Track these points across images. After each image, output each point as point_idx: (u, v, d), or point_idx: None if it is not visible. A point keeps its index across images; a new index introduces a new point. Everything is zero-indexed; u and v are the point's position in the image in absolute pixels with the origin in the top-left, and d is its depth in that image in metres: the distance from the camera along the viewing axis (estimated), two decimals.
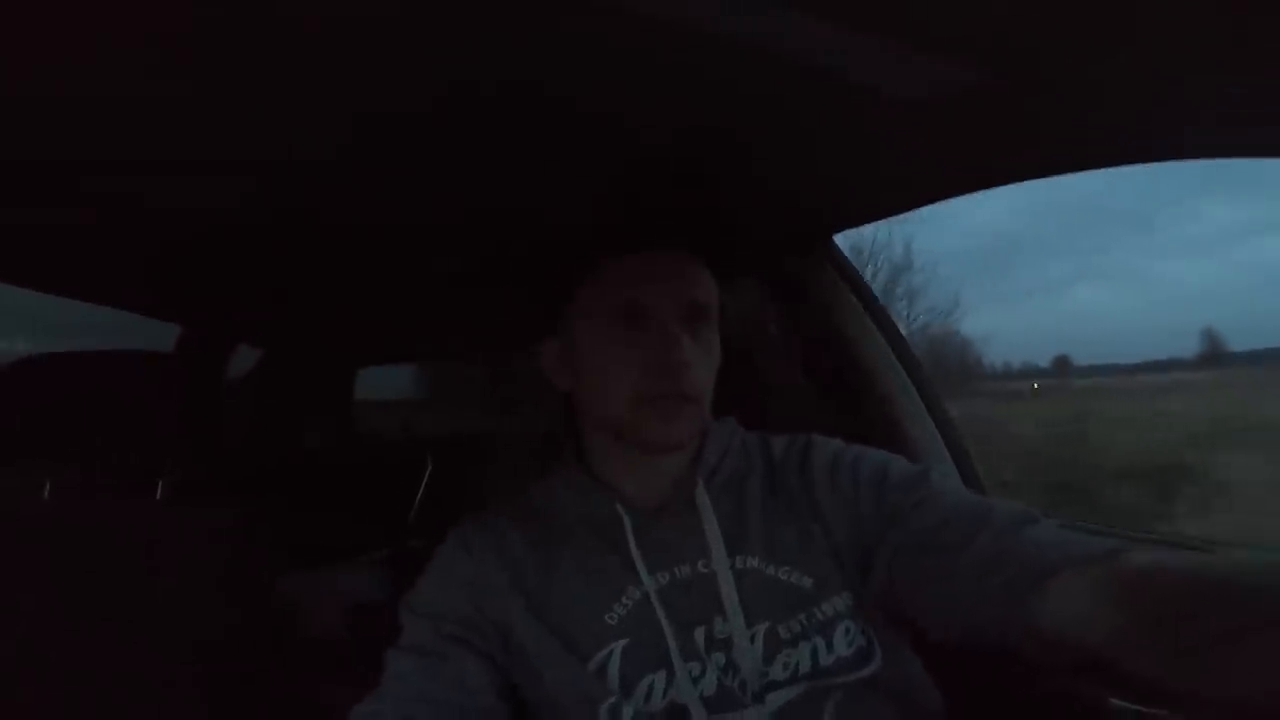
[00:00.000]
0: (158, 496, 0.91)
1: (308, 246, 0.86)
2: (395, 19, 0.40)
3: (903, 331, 0.93)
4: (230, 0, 0.38)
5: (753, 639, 0.57)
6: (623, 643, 0.58)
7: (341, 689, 1.06)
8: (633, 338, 0.60)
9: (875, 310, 0.89)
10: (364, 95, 0.49)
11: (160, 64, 0.44)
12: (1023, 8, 0.40)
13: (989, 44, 0.44)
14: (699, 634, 0.58)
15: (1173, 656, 0.40)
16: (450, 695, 0.56)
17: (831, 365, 0.90)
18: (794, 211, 0.81)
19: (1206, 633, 0.38)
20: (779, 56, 0.46)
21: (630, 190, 0.68)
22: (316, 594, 1.28)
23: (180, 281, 1.03)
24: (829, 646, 0.57)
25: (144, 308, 1.14)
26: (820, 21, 0.42)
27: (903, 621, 0.59)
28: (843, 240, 0.91)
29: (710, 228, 0.68)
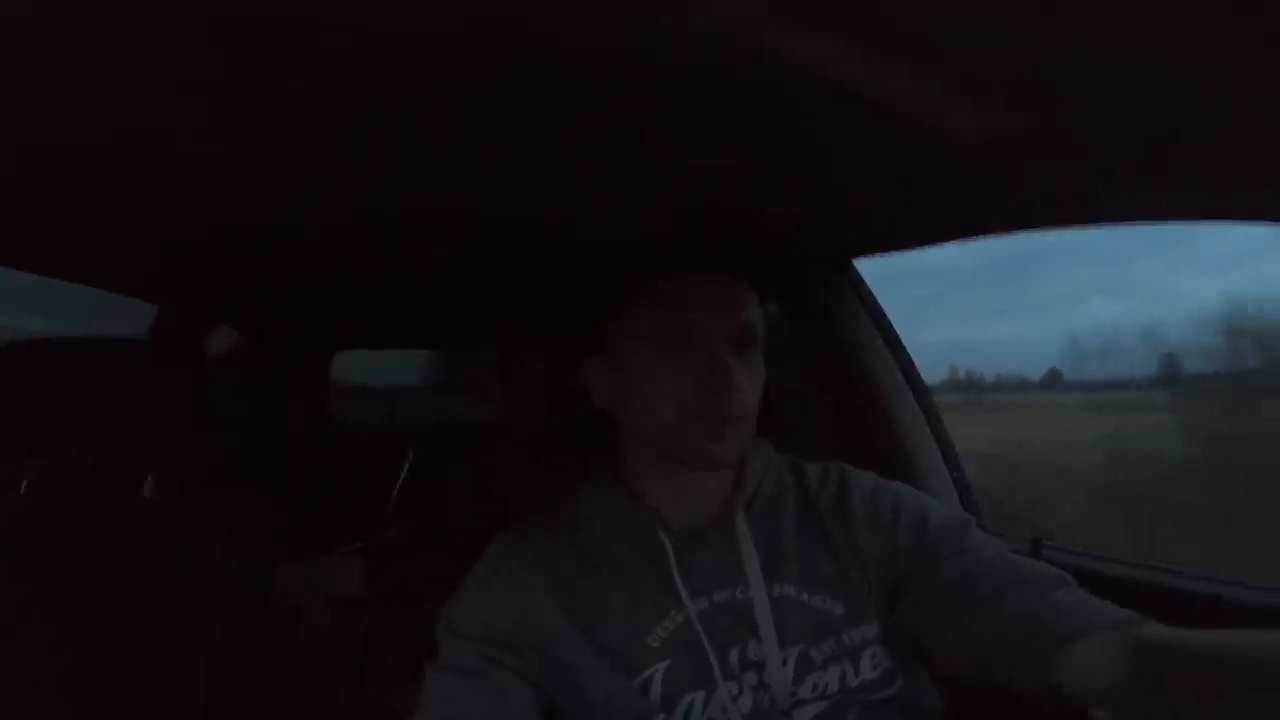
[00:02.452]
0: (147, 492, 0.88)
1: (315, 252, 0.84)
2: (413, 28, 0.39)
3: None
4: (229, 6, 0.37)
5: (785, 661, 0.59)
6: (665, 664, 0.59)
7: (328, 685, 1.06)
8: (682, 359, 0.60)
9: (890, 337, 0.91)
10: (381, 103, 0.48)
11: (154, 58, 0.42)
12: (1058, 56, 0.40)
13: (1025, 87, 0.44)
14: (734, 655, 0.59)
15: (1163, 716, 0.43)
16: (492, 715, 0.57)
17: (844, 387, 0.92)
18: (818, 237, 0.82)
19: (1208, 711, 0.41)
20: (820, 84, 0.45)
21: (677, 213, 0.68)
22: (295, 587, 1.26)
23: (162, 264, 0.99)
24: (856, 670, 0.60)
25: (124, 288, 1.09)
26: (860, 54, 0.42)
27: (922, 651, 0.62)
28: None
29: (749, 254, 0.69)
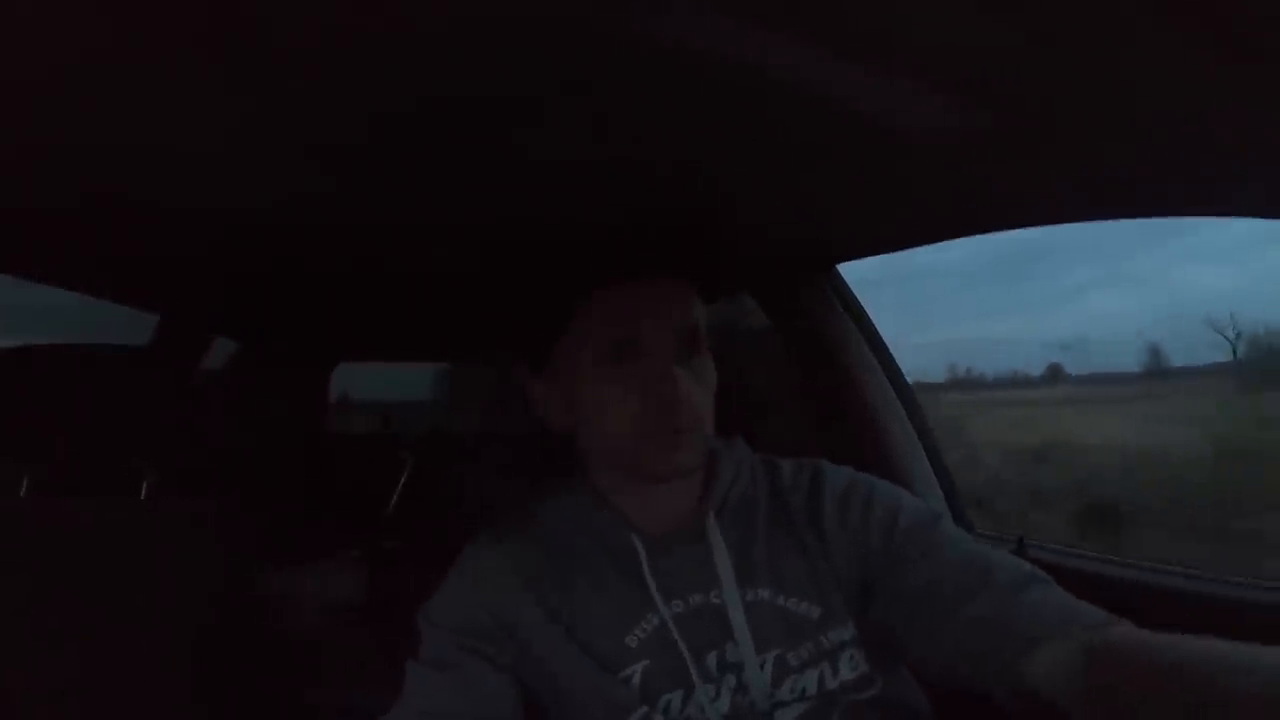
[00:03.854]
0: (142, 496, 0.89)
1: (298, 251, 0.85)
2: (390, 30, 0.40)
3: None
4: (228, 5, 0.37)
5: (762, 665, 0.59)
6: (643, 664, 0.59)
7: (320, 688, 1.07)
8: (627, 370, 0.59)
9: (873, 339, 0.92)
10: (359, 101, 0.49)
11: (152, 61, 0.42)
12: (1029, 54, 0.41)
13: (996, 86, 0.45)
14: (712, 658, 0.59)
15: None
16: (471, 709, 0.57)
17: (828, 389, 0.92)
18: (802, 238, 0.82)
19: (1140, 712, 0.41)
20: (790, 90, 0.46)
21: (631, 214, 0.68)
22: (291, 592, 1.27)
23: (161, 273, 1.00)
24: (834, 672, 0.59)
25: (124, 298, 1.11)
26: (834, 58, 0.42)
27: (896, 652, 0.62)
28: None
29: (707, 249, 0.69)
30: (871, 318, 0.94)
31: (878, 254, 0.82)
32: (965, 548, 0.61)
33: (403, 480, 1.49)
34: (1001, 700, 0.53)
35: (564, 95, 0.48)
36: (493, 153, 0.58)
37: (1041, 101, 0.46)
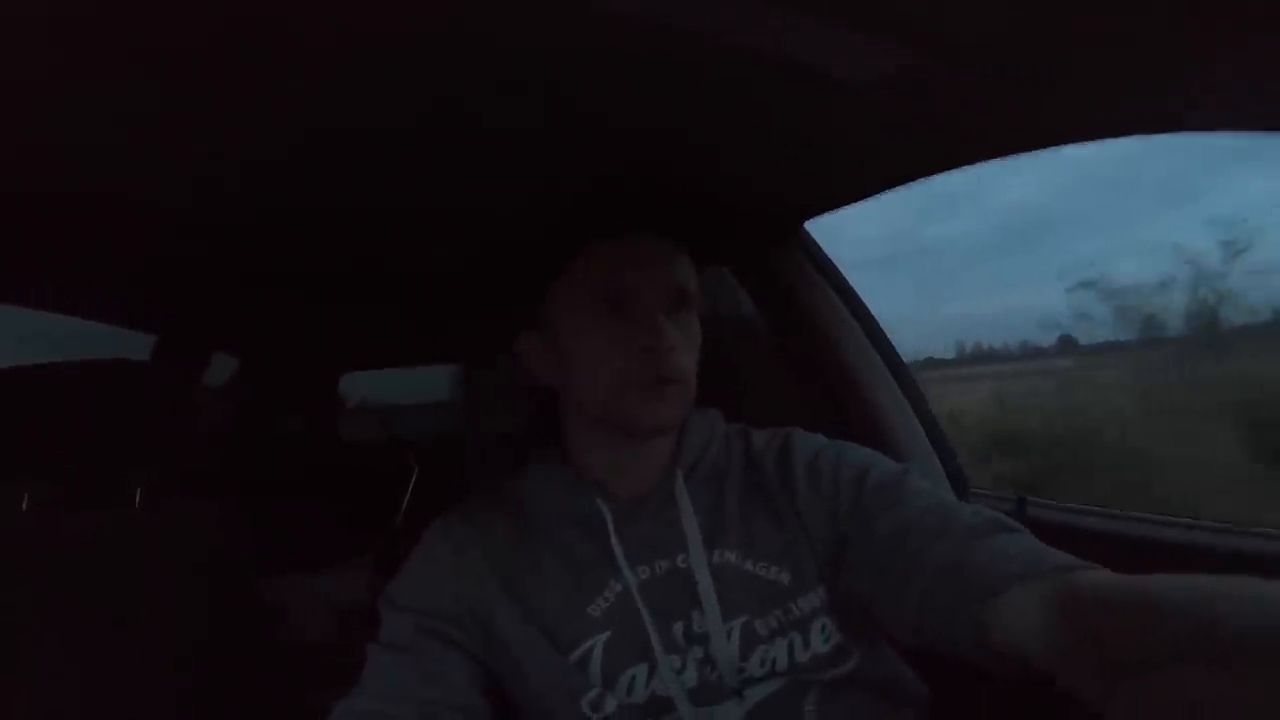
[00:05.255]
0: (138, 506, 0.91)
1: (293, 252, 0.86)
2: (375, 24, 0.40)
3: None
4: (222, 11, 0.38)
5: (729, 634, 0.57)
6: (605, 635, 0.57)
7: (327, 693, 1.07)
8: (617, 323, 0.59)
9: (849, 297, 0.88)
10: (356, 104, 0.50)
11: (151, 75, 0.43)
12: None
13: (943, 26, 0.44)
14: (678, 628, 0.58)
15: (1094, 678, 0.38)
16: (430, 691, 0.55)
17: (805, 353, 0.89)
18: (763, 200, 0.80)
19: (1127, 660, 0.35)
20: (741, 47, 0.46)
21: (606, 180, 0.68)
22: (303, 598, 1.28)
23: (166, 285, 1.03)
24: (805, 643, 0.57)
25: (131, 314, 1.14)
26: (779, 9, 0.42)
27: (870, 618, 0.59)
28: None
29: (682, 217, 0.68)
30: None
31: (840, 207, 0.79)
32: (931, 499, 0.58)
33: (411, 485, 1.50)
34: (970, 657, 0.48)
35: (532, 69, 0.48)
36: (480, 144, 0.58)
37: (985, 36, 0.45)
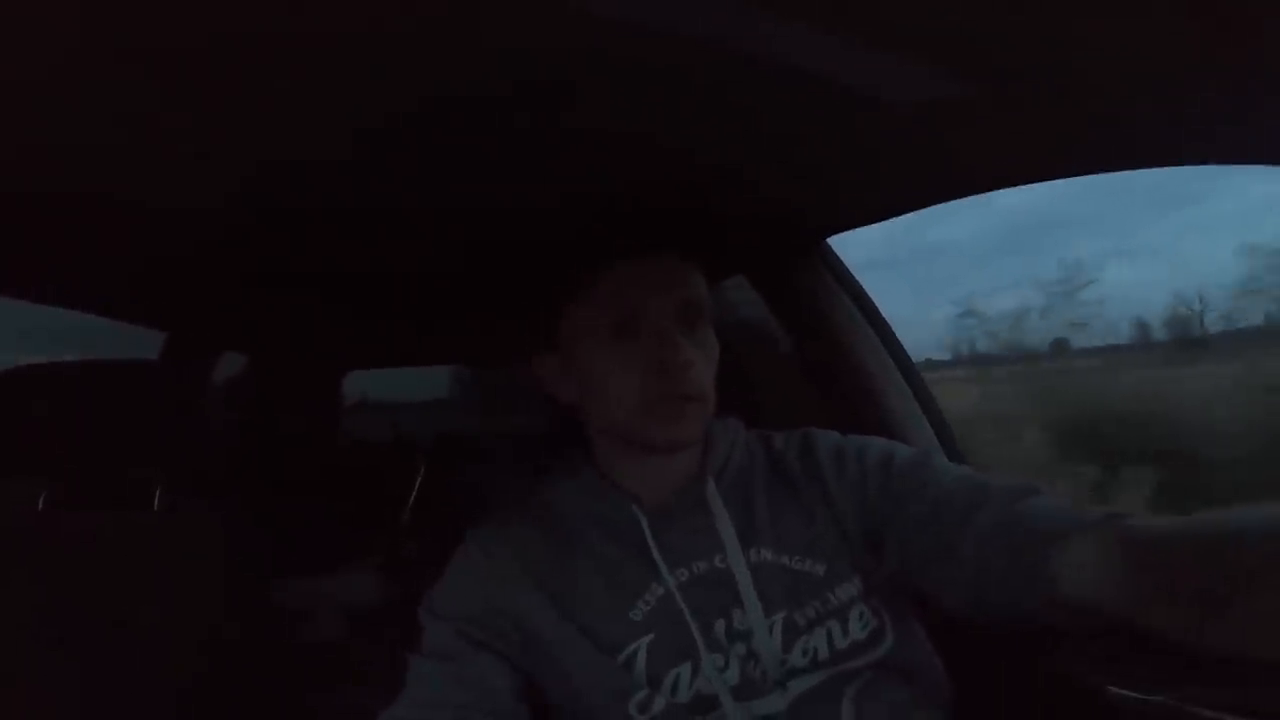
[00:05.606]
0: (154, 507, 0.91)
1: (297, 252, 0.86)
2: (387, 29, 0.41)
3: None
4: (227, 10, 0.38)
5: (771, 629, 0.59)
6: (648, 638, 0.59)
7: (329, 693, 1.08)
8: (632, 345, 0.61)
9: (870, 312, 0.90)
10: (357, 103, 0.50)
11: (155, 74, 0.43)
12: (1010, 19, 0.41)
13: (978, 52, 0.45)
14: (719, 626, 0.59)
15: (1181, 613, 0.41)
16: (472, 699, 0.57)
17: (826, 366, 0.91)
18: (788, 215, 0.82)
19: (1211, 587, 0.39)
20: (772, 64, 0.46)
21: (624, 197, 0.68)
22: (309, 599, 1.28)
23: (170, 288, 1.02)
24: (844, 631, 0.59)
25: (135, 315, 1.13)
26: (814, 29, 0.42)
27: (912, 602, 0.61)
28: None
29: (704, 232, 0.69)
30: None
31: (865, 224, 0.81)
32: (958, 472, 0.61)
33: (417, 484, 1.50)
34: (1031, 613, 0.51)
35: (551, 85, 0.48)
36: (487, 147, 0.58)
37: (1016, 66, 0.46)
